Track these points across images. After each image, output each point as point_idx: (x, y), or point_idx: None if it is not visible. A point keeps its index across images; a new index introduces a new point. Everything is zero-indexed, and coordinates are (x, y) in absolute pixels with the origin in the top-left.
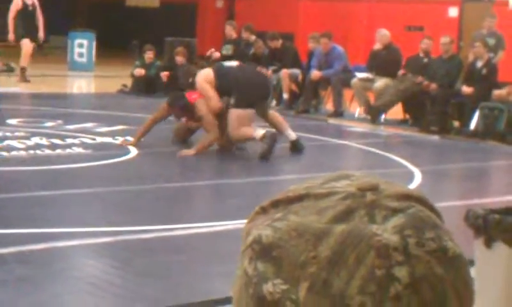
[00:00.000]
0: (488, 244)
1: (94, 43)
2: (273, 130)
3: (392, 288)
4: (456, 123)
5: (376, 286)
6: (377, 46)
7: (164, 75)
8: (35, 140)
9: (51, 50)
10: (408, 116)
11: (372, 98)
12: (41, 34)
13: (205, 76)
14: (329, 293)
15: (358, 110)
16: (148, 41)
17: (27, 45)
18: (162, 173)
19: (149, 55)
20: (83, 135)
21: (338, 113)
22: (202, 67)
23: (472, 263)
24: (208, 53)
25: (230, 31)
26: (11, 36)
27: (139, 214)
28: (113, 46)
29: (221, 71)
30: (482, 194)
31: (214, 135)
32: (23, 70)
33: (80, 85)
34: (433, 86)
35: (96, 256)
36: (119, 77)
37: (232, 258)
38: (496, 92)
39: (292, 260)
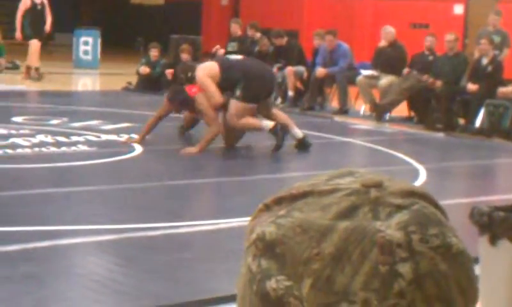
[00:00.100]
0: (493, 241)
1: (99, 41)
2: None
3: (395, 284)
4: (461, 121)
5: (380, 282)
6: (383, 43)
7: (169, 72)
8: (40, 138)
9: (56, 48)
10: (413, 114)
11: (377, 96)
12: (47, 27)
13: (208, 69)
14: (333, 289)
15: (363, 107)
16: (153, 39)
17: (35, 45)
18: (167, 171)
19: (154, 53)
20: (88, 132)
21: (343, 110)
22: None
23: (476, 260)
24: (213, 50)
25: (235, 29)
26: (18, 34)
27: (143, 212)
28: (118, 43)
29: (226, 64)
30: (487, 192)
31: (216, 129)
32: (36, 69)
33: (86, 82)
34: (438, 83)
35: (100, 253)
36: (124, 75)
37: (236, 255)
38: (502, 89)
39: (295, 257)
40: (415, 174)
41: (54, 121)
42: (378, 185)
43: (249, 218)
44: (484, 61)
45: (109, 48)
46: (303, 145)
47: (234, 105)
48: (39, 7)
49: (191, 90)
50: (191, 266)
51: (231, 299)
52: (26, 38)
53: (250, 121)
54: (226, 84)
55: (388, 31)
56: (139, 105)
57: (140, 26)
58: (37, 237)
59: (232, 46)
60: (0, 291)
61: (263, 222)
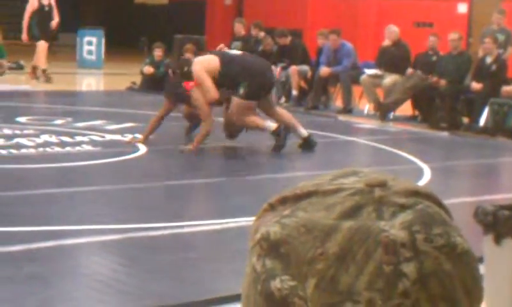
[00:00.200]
0: (498, 240)
1: (103, 41)
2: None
3: (400, 284)
4: (466, 120)
5: (384, 282)
6: (386, 42)
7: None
8: (44, 138)
9: (60, 48)
10: (417, 113)
11: (381, 95)
12: (53, 24)
13: (206, 63)
14: (337, 289)
15: (367, 106)
16: (157, 39)
17: (42, 46)
18: (171, 171)
19: (158, 52)
20: (92, 132)
21: (347, 110)
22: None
23: (481, 259)
24: (217, 49)
25: (239, 28)
26: (24, 36)
27: (147, 211)
28: (122, 43)
29: (227, 58)
30: (492, 191)
31: (209, 125)
32: (44, 71)
33: (90, 82)
34: (442, 82)
35: (104, 253)
36: (128, 75)
37: (241, 255)
38: (506, 88)
39: (300, 257)
40: (419, 173)
41: (59, 121)
42: (382, 185)
43: (253, 218)
44: (488, 59)
45: (113, 48)
46: (308, 144)
47: (236, 103)
48: (46, 8)
49: (188, 85)
50: (195, 266)
51: (236, 298)
52: (34, 38)
53: (255, 120)
54: (225, 79)
55: (392, 30)
56: (143, 105)
57: (144, 26)
58: (41, 237)
59: (236, 45)
60: (4, 292)
61: (267, 222)
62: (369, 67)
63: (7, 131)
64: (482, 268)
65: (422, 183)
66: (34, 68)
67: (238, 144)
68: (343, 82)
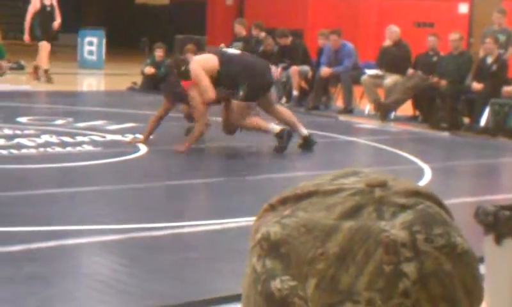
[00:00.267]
0: (498, 240)
1: (104, 41)
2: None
3: (400, 284)
4: (466, 120)
5: (384, 282)
6: (387, 42)
7: None
8: (45, 138)
9: (61, 48)
10: (417, 113)
11: (382, 95)
12: (55, 24)
13: (204, 62)
14: (338, 289)
15: (367, 107)
16: (158, 39)
17: (45, 46)
18: (172, 171)
19: (159, 53)
20: (93, 132)
21: (348, 110)
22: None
23: (481, 260)
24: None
25: (239, 29)
26: (26, 37)
27: (148, 211)
28: (123, 44)
29: (226, 57)
30: (493, 191)
31: (202, 125)
32: (46, 71)
33: (90, 83)
34: (443, 82)
35: (105, 253)
36: (129, 75)
37: (241, 255)
38: (507, 88)
39: (300, 257)
40: (420, 173)
41: (59, 122)
42: (383, 185)
43: (254, 218)
44: (489, 60)
45: (114, 48)
46: (307, 143)
47: (236, 105)
48: (48, 8)
49: (186, 84)
50: (195, 266)
51: (236, 298)
52: (36, 39)
53: (258, 122)
54: (225, 79)
55: (393, 30)
56: (144, 105)
57: (145, 26)
58: (42, 237)
59: (237, 46)
60: (4, 292)
61: (268, 222)
62: (370, 67)
63: (8, 131)
64: (482, 269)
65: (422, 183)
66: (36, 68)
67: (238, 144)
68: (344, 82)
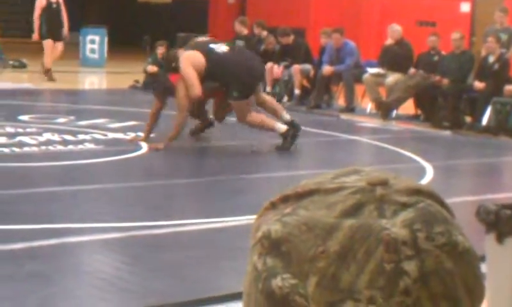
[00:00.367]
0: (500, 239)
1: (106, 39)
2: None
3: (401, 282)
4: (468, 119)
5: (385, 280)
6: (389, 41)
7: None
8: (47, 136)
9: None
10: (419, 112)
11: (384, 94)
12: (65, 31)
13: (192, 59)
14: (338, 287)
15: (369, 105)
16: (160, 37)
17: (49, 44)
18: (173, 169)
19: (161, 51)
20: (95, 131)
21: (350, 108)
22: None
23: (483, 258)
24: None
25: (240, 28)
26: (35, 35)
27: (149, 210)
28: (125, 42)
29: (214, 57)
30: (494, 190)
31: (181, 119)
32: (48, 70)
33: (92, 81)
34: (445, 81)
35: (106, 251)
36: (131, 73)
37: (243, 253)
38: (509, 87)
39: (301, 255)
40: (422, 172)
41: (61, 120)
42: (384, 183)
43: (255, 216)
44: (491, 59)
45: (116, 46)
46: (293, 128)
47: (236, 106)
48: (54, 6)
49: (174, 78)
50: (197, 264)
51: (237, 296)
52: (41, 37)
53: (264, 120)
54: (213, 77)
55: (395, 29)
56: (145, 103)
57: (147, 24)
58: (43, 235)
59: (238, 44)
60: (6, 290)
61: (269, 220)
62: (372, 66)
63: (9, 129)
64: (484, 267)
65: (424, 182)
66: (47, 70)
67: (240, 143)
68: (345, 80)
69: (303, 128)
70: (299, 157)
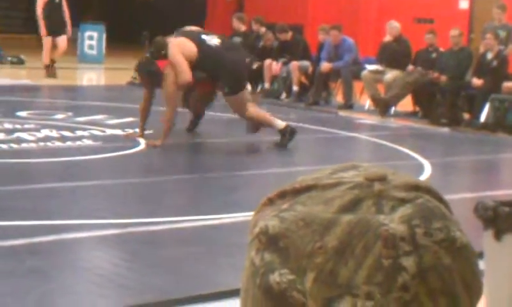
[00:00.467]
0: (498, 236)
1: (104, 35)
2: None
3: (399, 278)
4: (466, 116)
5: (383, 276)
6: (387, 38)
7: None
8: (45, 132)
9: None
10: (417, 109)
11: (382, 91)
12: (69, 28)
13: (182, 45)
14: (336, 283)
15: (368, 102)
16: (159, 33)
17: (48, 41)
18: (171, 165)
19: None
20: (93, 127)
21: (348, 105)
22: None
23: (481, 255)
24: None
25: (237, 24)
26: (43, 31)
27: (147, 206)
28: (123, 38)
29: (206, 50)
30: (493, 187)
31: (171, 111)
32: (47, 66)
33: (90, 77)
34: (443, 78)
35: (105, 247)
36: (129, 69)
37: (241, 249)
38: (507, 84)
39: (298, 250)
40: (420, 169)
41: (59, 116)
42: (382, 179)
43: (253, 212)
44: (489, 55)
45: (114, 42)
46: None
47: (230, 101)
48: (56, 1)
49: (162, 64)
50: (195, 260)
51: (235, 293)
52: (43, 33)
53: (265, 115)
54: (202, 68)
55: (393, 26)
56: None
57: (145, 21)
58: (42, 231)
59: (236, 40)
60: (5, 286)
61: (266, 216)
62: (370, 63)
63: (8, 125)
64: (482, 264)
65: (422, 178)
66: (52, 63)
67: (238, 140)
68: (344, 77)
69: (301, 124)
70: (297, 153)
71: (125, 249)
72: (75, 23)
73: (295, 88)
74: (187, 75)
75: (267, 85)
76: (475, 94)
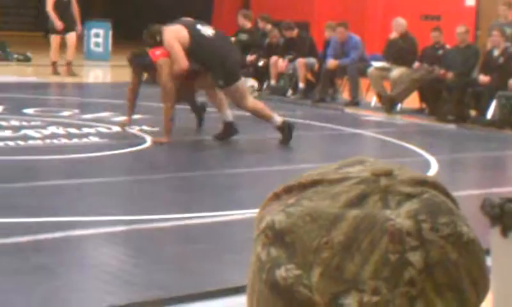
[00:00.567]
0: (505, 233)
1: (110, 33)
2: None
3: (405, 272)
4: (473, 112)
5: (390, 271)
6: (394, 35)
7: None
8: (51, 129)
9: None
10: (424, 105)
11: (388, 88)
12: (78, 26)
13: (177, 32)
14: (343, 278)
15: (374, 99)
16: None
17: (56, 39)
18: (177, 162)
19: None
20: (99, 124)
21: (354, 102)
22: None
23: (488, 252)
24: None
25: (243, 21)
26: (59, 25)
27: (153, 203)
28: (129, 35)
29: (198, 36)
30: (499, 183)
31: (168, 105)
32: (53, 63)
33: (97, 74)
34: (449, 74)
35: (111, 244)
36: None
37: (247, 246)
38: None
39: (305, 245)
40: (427, 165)
41: (66, 113)
42: (388, 174)
43: (259, 209)
44: (496, 52)
45: (121, 40)
46: (232, 128)
47: (227, 93)
48: None
49: (154, 53)
50: (201, 257)
51: (241, 290)
52: (51, 31)
53: (264, 108)
54: (194, 57)
55: (399, 23)
56: (150, 96)
57: (151, 18)
58: (48, 228)
59: (242, 37)
60: (11, 283)
61: (272, 211)
62: (376, 59)
63: (14, 122)
64: (489, 261)
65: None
66: (68, 64)
67: (244, 137)
68: (350, 74)
69: (307, 122)
70: (303, 150)
71: (131, 245)
72: (81, 21)
73: (301, 85)
74: (182, 62)
75: (273, 82)
76: (481, 91)
